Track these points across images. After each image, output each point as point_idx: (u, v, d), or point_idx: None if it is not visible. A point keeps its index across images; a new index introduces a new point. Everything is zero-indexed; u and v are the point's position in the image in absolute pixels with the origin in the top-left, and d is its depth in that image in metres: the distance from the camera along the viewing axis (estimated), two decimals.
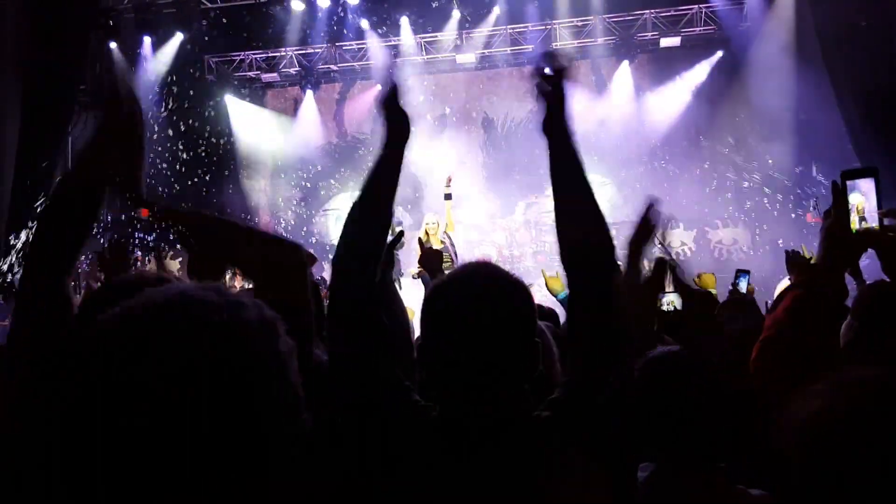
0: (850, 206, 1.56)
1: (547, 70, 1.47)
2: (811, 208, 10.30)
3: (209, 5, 12.28)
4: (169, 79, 12.43)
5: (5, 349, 1.25)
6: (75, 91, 10.94)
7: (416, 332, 1.69)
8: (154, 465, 0.74)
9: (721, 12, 11.43)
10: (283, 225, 12.65)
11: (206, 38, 12.41)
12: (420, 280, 6.73)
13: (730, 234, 11.56)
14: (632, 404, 1.41)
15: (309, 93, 13.04)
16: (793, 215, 11.02)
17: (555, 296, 3.80)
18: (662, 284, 1.60)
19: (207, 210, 1.43)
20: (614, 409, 1.33)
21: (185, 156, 12.47)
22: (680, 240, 11.47)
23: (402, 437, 1.33)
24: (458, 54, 12.22)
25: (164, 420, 0.74)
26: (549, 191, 1.47)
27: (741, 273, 4.07)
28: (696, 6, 11.50)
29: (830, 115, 9.52)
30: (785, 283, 3.92)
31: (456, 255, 7.59)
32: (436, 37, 12.36)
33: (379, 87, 1.58)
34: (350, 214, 1.51)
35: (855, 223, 1.55)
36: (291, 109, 13.38)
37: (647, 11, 11.62)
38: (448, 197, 8.19)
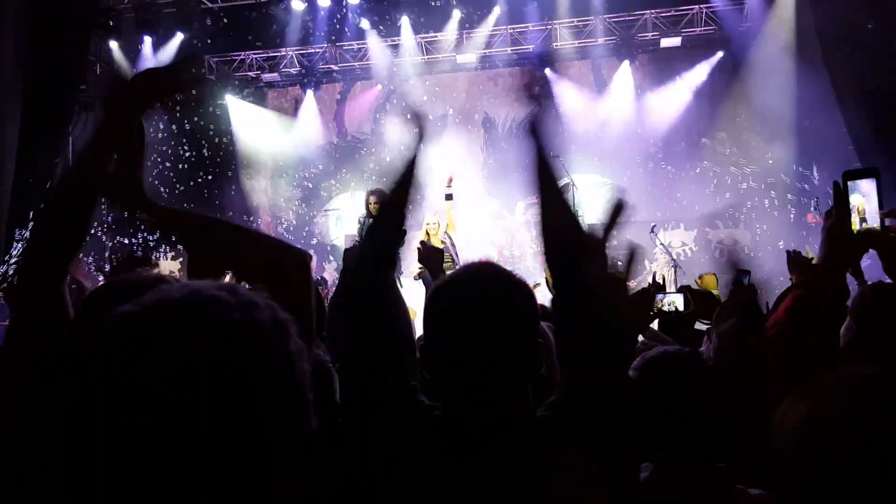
0: (851, 207, 1.56)
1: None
2: (812, 208, 10.30)
3: (210, 5, 12.27)
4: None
5: (4, 349, 1.25)
6: (75, 91, 10.94)
7: (417, 333, 1.69)
8: (154, 465, 0.74)
9: (721, 12, 11.43)
10: (284, 225, 12.65)
11: (207, 38, 12.41)
12: (421, 280, 6.73)
13: (730, 235, 11.55)
14: (632, 404, 1.41)
15: (309, 93, 13.03)
16: (792, 216, 11.02)
17: None
18: (633, 273, 1.63)
19: (208, 212, 1.44)
20: (614, 409, 1.33)
21: (186, 156, 12.49)
22: (680, 240, 11.47)
23: (403, 436, 1.33)
24: (459, 54, 12.21)
25: (164, 420, 0.74)
26: None
27: (742, 273, 4.07)
28: (697, 6, 11.49)
29: (831, 116, 9.51)
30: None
31: (457, 255, 7.59)
32: (436, 37, 12.35)
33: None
34: (373, 221, 1.59)
35: (856, 224, 1.55)
36: (292, 109, 13.38)
37: (648, 12, 11.61)
38: (449, 197, 8.18)
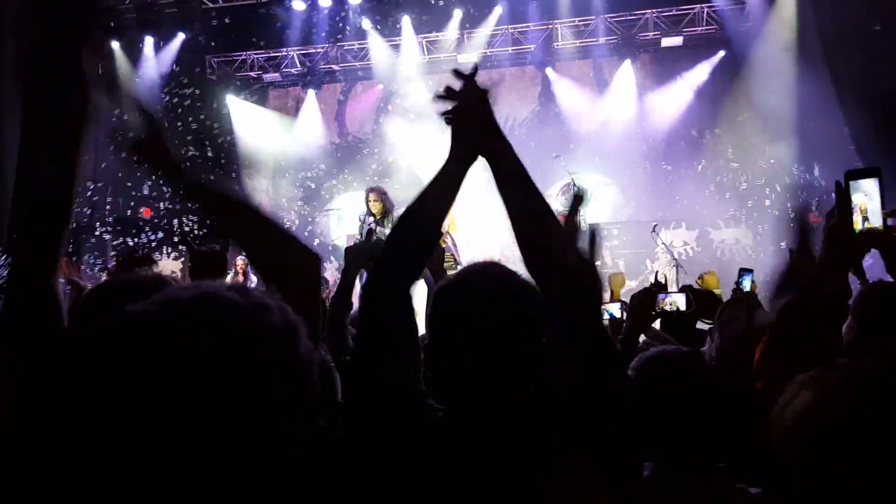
0: (853, 207, 1.56)
1: (459, 87, 1.47)
2: (813, 208, 10.29)
3: (211, 5, 12.28)
4: (171, 79, 12.44)
5: None
6: (76, 91, 10.92)
7: (419, 332, 1.69)
8: (154, 464, 0.74)
9: (723, 12, 11.42)
10: (285, 225, 12.61)
11: (208, 38, 12.42)
12: (423, 280, 6.72)
13: (732, 234, 11.54)
14: (632, 404, 1.41)
15: (311, 93, 13.03)
16: (789, 216, 11.00)
17: None
18: (596, 255, 1.55)
19: (236, 194, 1.44)
20: (614, 409, 1.33)
21: (188, 156, 12.49)
22: (682, 239, 11.46)
23: (404, 437, 1.33)
24: (460, 54, 12.21)
25: (164, 420, 0.74)
26: (551, 189, 1.48)
27: (744, 272, 4.07)
28: (698, 6, 11.49)
29: (832, 115, 9.50)
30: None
31: (458, 255, 7.58)
32: (437, 37, 12.35)
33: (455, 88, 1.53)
34: (399, 225, 1.49)
35: (858, 223, 1.55)
36: (293, 109, 13.38)
37: (649, 11, 11.60)
38: None
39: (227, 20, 12.36)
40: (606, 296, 4.41)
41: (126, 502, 0.75)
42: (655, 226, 8.96)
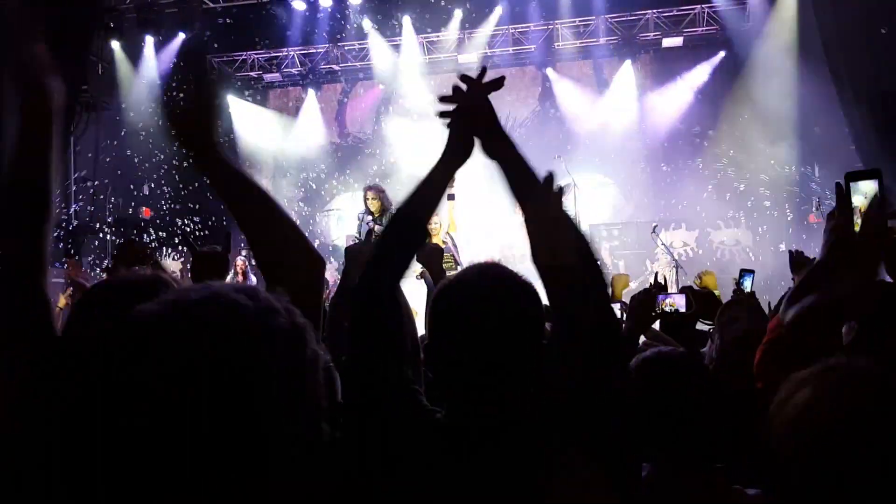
0: (853, 208, 1.56)
1: (464, 88, 1.49)
2: (814, 209, 10.29)
3: (211, 5, 12.28)
4: (171, 79, 12.44)
5: None
6: (77, 91, 10.94)
7: (418, 332, 1.69)
8: (154, 464, 0.74)
9: (723, 12, 11.42)
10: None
11: (208, 38, 12.42)
12: (423, 280, 6.70)
13: (732, 235, 11.55)
14: (632, 404, 1.41)
15: (311, 92, 13.04)
16: (793, 216, 11.01)
17: None
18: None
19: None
20: (614, 409, 1.33)
21: (188, 156, 12.46)
22: (682, 240, 11.46)
23: (404, 437, 1.33)
24: (461, 54, 12.21)
25: (164, 420, 0.74)
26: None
27: (745, 272, 4.07)
28: (699, 6, 11.49)
29: (832, 116, 9.50)
30: None
31: (458, 255, 7.58)
32: (438, 37, 12.35)
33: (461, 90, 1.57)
34: (390, 224, 1.52)
35: (857, 225, 1.55)
36: (293, 109, 13.38)
37: (650, 11, 11.61)
38: (451, 197, 8.16)
39: (227, 20, 12.36)
40: None
41: (126, 502, 0.75)
42: (655, 226, 8.96)
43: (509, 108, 12.21)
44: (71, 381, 0.78)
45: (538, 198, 1.44)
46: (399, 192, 1.54)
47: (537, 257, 1.40)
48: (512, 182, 1.49)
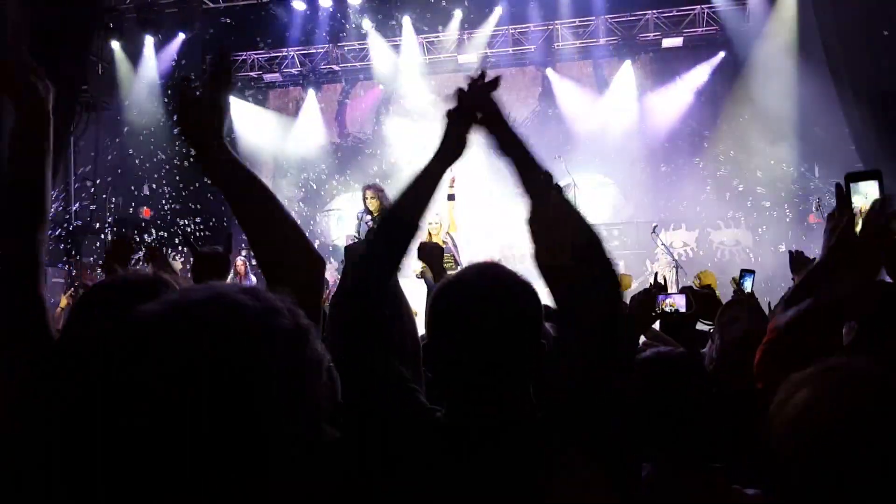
0: (854, 209, 1.56)
1: (469, 90, 1.50)
2: (814, 209, 10.29)
3: (211, 5, 12.28)
4: (171, 79, 12.45)
5: None
6: (77, 91, 10.94)
7: (418, 332, 1.69)
8: (154, 464, 0.74)
9: (723, 13, 11.43)
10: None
11: (208, 38, 12.42)
12: (423, 280, 6.71)
13: (732, 235, 11.55)
14: (632, 404, 1.40)
15: (311, 93, 13.05)
16: (793, 216, 11.01)
17: None
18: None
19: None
20: (614, 409, 1.33)
21: (189, 155, 12.49)
22: (682, 240, 11.46)
23: (404, 437, 1.33)
24: (460, 55, 12.21)
25: (164, 420, 0.74)
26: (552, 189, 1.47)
27: (745, 273, 4.07)
28: (699, 7, 11.50)
29: (832, 116, 9.50)
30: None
31: (458, 255, 7.58)
32: (438, 37, 12.36)
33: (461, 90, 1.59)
34: (382, 221, 1.53)
35: (858, 226, 1.55)
36: (293, 109, 13.39)
37: (649, 12, 11.62)
38: (451, 197, 8.17)
39: (227, 20, 12.36)
40: None
41: (126, 502, 0.75)
42: (655, 227, 8.96)
43: (509, 109, 12.20)
44: (71, 382, 0.78)
45: (542, 197, 1.43)
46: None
47: (538, 257, 1.40)
48: (519, 180, 1.49)
